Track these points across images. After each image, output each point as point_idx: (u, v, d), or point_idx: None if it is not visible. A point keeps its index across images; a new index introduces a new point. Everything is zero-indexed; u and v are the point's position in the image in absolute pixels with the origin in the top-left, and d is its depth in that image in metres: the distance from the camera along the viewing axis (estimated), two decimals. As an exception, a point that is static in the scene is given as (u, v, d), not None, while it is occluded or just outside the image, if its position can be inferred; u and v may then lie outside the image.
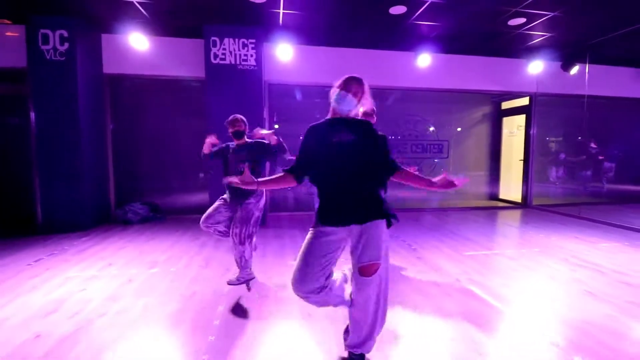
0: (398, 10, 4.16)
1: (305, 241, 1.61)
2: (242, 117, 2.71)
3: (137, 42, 4.75)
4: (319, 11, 4.25)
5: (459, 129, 6.95)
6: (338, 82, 1.63)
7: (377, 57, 5.61)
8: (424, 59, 5.56)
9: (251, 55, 4.79)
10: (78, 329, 2.08)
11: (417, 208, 6.30)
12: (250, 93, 4.83)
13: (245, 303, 2.45)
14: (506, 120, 7.19)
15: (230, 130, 2.66)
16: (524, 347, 1.90)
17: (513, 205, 6.77)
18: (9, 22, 4.50)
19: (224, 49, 4.71)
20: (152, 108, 5.58)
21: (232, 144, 2.73)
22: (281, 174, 1.70)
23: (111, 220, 5.14)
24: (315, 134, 1.65)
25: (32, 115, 4.37)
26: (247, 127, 2.71)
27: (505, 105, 7.09)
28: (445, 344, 1.93)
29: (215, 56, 4.71)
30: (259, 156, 2.67)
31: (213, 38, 4.67)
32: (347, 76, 1.62)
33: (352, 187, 1.58)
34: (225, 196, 2.70)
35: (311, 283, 1.54)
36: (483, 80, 6.04)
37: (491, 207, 6.71)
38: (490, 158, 7.27)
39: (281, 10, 4.22)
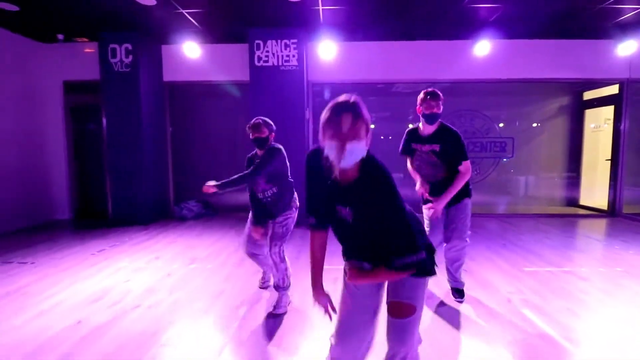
0: (448, -6, 3.77)
1: None
2: (266, 120, 2.35)
3: (190, 50, 5.06)
4: (360, 4, 4.05)
5: (528, 125, 6.12)
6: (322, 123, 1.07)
7: (427, 48, 5.19)
8: (483, 47, 4.97)
9: (293, 56, 4.78)
10: (113, 318, 2.24)
11: (475, 214, 5.69)
12: (292, 94, 4.83)
13: (265, 306, 2.41)
14: (589, 113, 6.13)
15: (252, 136, 2.33)
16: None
17: (597, 213, 5.74)
18: (86, 40, 5.16)
19: (267, 51, 4.79)
20: (205, 111, 5.95)
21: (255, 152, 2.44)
22: None
23: (169, 216, 5.59)
24: None
25: (104, 121, 4.95)
26: (272, 133, 2.37)
27: (588, 95, 6.04)
28: (477, 379, 1.64)
29: (259, 59, 4.81)
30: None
31: (257, 41, 4.78)
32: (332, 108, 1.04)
33: None
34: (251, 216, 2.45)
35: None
36: (557, 67, 5.21)
37: (568, 214, 5.78)
38: (569, 157, 6.26)
39: (320, 7, 4.12)
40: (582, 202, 6.20)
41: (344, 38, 5.08)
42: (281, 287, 2.33)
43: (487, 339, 1.99)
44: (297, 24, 4.65)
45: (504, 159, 5.96)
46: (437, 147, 2.24)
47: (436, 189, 2.31)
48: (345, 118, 1.01)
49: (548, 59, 5.19)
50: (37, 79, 5.19)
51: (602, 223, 5.17)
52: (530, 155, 6.12)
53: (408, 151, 2.43)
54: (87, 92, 5.36)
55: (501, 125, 5.94)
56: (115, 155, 4.93)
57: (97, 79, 5.02)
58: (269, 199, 2.35)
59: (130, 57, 4.78)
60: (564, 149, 6.23)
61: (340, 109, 1.03)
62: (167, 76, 5.40)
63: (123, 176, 4.95)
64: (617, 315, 2.29)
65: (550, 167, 6.29)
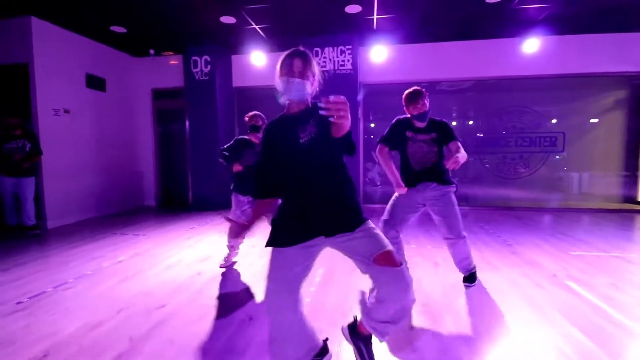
0: (496, -1, 4.05)
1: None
2: (261, 114, 3.06)
3: (256, 59, 5.77)
4: (411, 11, 4.46)
5: (581, 120, 6.08)
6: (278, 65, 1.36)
7: (475, 48, 5.44)
8: (531, 44, 5.13)
9: (348, 60, 5.30)
10: (222, 272, 2.90)
11: (522, 207, 5.82)
12: (346, 95, 5.32)
13: (336, 269, 2.94)
14: (650, 107, 5.94)
15: (249, 122, 3.06)
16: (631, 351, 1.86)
17: (657, 208, 5.59)
18: (172, 53, 6.08)
19: (325, 57, 5.35)
20: (267, 112, 6.63)
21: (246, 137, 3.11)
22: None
23: (236, 205, 6.36)
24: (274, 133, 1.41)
25: (187, 123, 5.82)
26: (264, 123, 2.98)
27: (648, 88, 5.87)
28: (531, 334, 2.03)
29: (317, 64, 5.37)
30: None
31: (316, 49, 5.35)
32: (287, 53, 1.35)
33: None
34: (241, 198, 3.05)
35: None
36: (612, 60, 5.20)
37: (624, 210, 5.69)
38: (628, 153, 6.11)
39: (375, 17, 4.59)
40: (641, 198, 6.02)
41: (394, 41, 5.50)
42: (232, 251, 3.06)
43: (535, 304, 2.34)
44: (352, 30, 5.15)
45: (557, 152, 5.94)
46: (434, 135, 2.37)
47: (427, 173, 2.40)
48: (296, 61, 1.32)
49: (601, 53, 5.21)
50: (131, 87, 6.21)
51: (660, 218, 5.07)
52: (583, 150, 6.06)
53: (399, 140, 2.46)
54: (170, 98, 6.31)
55: (565, 119, 5.83)
56: (196, 151, 5.78)
57: (180, 86, 5.91)
58: None
59: (209, 67, 5.60)
60: (621, 144, 6.09)
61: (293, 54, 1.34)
62: (235, 82, 6.17)
63: (202, 170, 5.78)
64: (660, 289, 2.50)
65: (605, 163, 6.17)
